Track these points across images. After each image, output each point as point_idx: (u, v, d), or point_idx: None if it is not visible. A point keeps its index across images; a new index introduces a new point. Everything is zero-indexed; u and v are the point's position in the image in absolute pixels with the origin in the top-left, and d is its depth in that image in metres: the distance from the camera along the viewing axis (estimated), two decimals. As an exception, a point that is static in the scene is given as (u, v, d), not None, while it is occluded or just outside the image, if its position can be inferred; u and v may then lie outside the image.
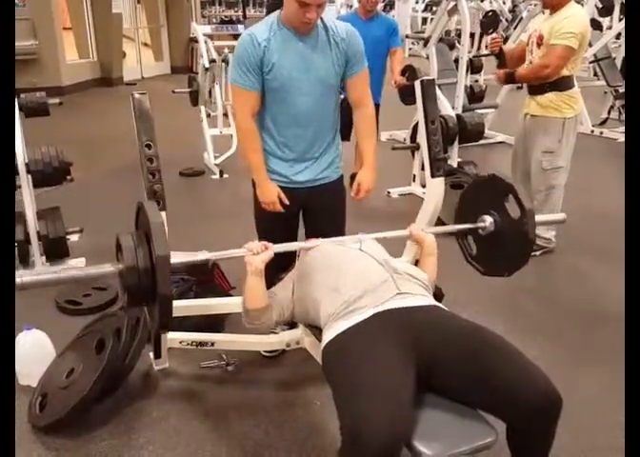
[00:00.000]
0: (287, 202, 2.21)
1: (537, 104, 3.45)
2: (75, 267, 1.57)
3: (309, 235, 2.39)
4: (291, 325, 2.44)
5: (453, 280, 2.73)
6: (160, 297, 1.45)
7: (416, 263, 2.30)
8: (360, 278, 1.78)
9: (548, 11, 3.40)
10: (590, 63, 7.88)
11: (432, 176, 2.20)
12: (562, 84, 3.36)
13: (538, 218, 1.88)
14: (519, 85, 5.18)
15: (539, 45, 3.34)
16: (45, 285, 1.48)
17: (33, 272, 1.50)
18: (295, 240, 2.41)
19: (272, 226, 2.26)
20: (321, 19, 2.10)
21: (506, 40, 6.99)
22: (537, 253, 3.63)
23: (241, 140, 2.25)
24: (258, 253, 1.83)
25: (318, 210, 2.38)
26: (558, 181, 3.52)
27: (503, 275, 1.98)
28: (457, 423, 1.52)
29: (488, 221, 1.96)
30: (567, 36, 3.18)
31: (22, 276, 1.42)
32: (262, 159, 2.24)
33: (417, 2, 15.85)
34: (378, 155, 2.35)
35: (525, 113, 3.52)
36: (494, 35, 3.51)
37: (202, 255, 1.76)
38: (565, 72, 3.33)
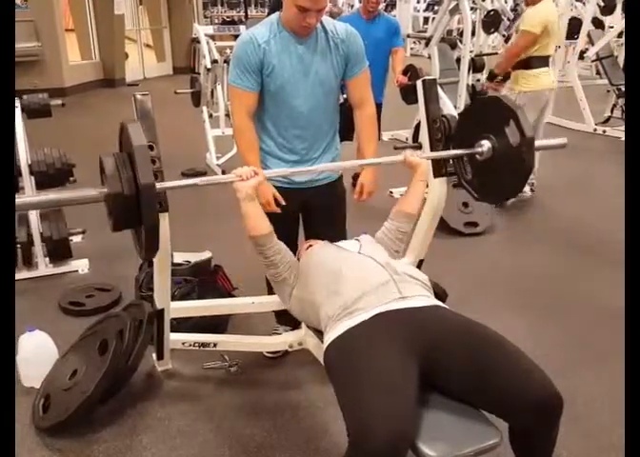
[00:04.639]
0: (283, 202, 2.20)
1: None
2: (59, 191, 1.61)
3: (309, 236, 2.39)
4: (294, 326, 2.44)
5: (454, 278, 2.74)
6: (146, 226, 1.48)
7: (418, 265, 2.31)
8: (360, 280, 1.77)
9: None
10: (593, 61, 7.87)
11: (435, 176, 2.19)
12: (525, 63, 4.07)
13: (538, 143, 1.85)
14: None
15: (516, 32, 4.03)
16: (28, 208, 1.45)
17: (21, 196, 1.52)
18: (296, 241, 2.40)
19: (273, 227, 2.25)
20: (320, 22, 2.09)
21: (508, 39, 6.98)
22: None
23: (237, 139, 2.25)
24: (248, 179, 1.82)
25: (318, 211, 2.38)
26: None
27: (495, 203, 1.95)
28: (461, 424, 1.51)
29: (485, 146, 1.92)
30: (527, 22, 3.97)
31: None
32: (258, 159, 2.23)
33: (419, 2, 15.88)
34: (380, 155, 2.35)
35: None
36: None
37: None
38: (534, 53, 4.03)
